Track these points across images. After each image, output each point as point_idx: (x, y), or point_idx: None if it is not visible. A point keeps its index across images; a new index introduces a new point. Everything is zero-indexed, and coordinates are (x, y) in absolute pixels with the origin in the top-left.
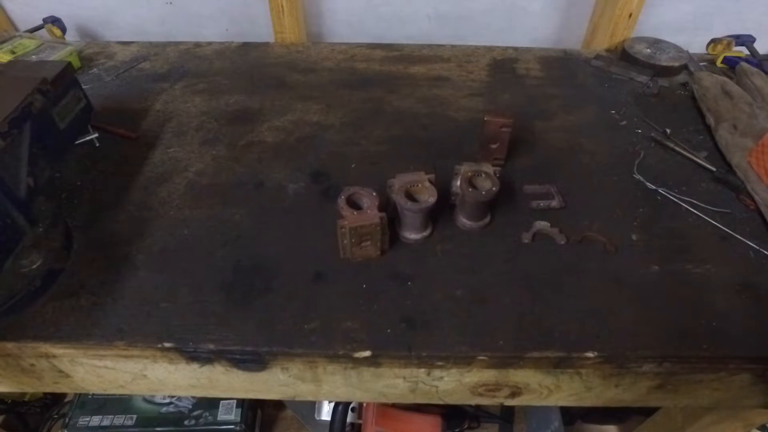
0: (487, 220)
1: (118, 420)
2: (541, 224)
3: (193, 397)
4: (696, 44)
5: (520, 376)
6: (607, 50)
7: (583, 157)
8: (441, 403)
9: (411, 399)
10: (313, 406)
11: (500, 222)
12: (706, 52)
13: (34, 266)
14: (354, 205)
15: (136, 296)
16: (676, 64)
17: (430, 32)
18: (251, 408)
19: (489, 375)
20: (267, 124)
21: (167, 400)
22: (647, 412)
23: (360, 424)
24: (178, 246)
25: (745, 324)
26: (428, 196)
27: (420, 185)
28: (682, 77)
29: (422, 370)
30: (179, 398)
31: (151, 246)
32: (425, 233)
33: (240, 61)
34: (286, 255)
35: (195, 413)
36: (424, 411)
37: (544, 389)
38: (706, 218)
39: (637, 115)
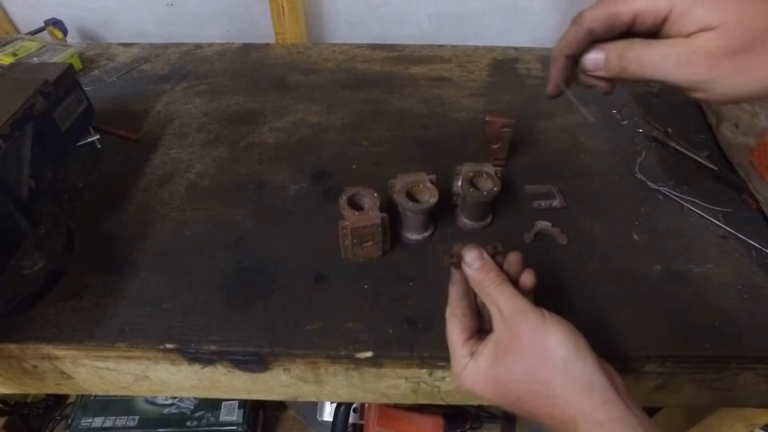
0: (488, 220)
1: (121, 421)
2: (543, 224)
3: (195, 398)
4: None
5: None
6: None
7: (585, 157)
8: (443, 403)
9: (413, 399)
10: (315, 407)
11: (501, 222)
12: None
13: (36, 268)
14: (355, 205)
15: (137, 297)
16: None
17: (430, 32)
18: (253, 409)
19: None
20: (268, 125)
21: (169, 401)
22: (649, 412)
23: (362, 425)
24: (180, 247)
25: (747, 323)
26: (429, 197)
27: (421, 185)
28: None
29: (424, 370)
30: (181, 399)
31: (152, 247)
32: (426, 233)
33: (241, 62)
34: (287, 256)
35: (197, 414)
36: (426, 411)
37: None
38: (708, 218)
39: (638, 114)
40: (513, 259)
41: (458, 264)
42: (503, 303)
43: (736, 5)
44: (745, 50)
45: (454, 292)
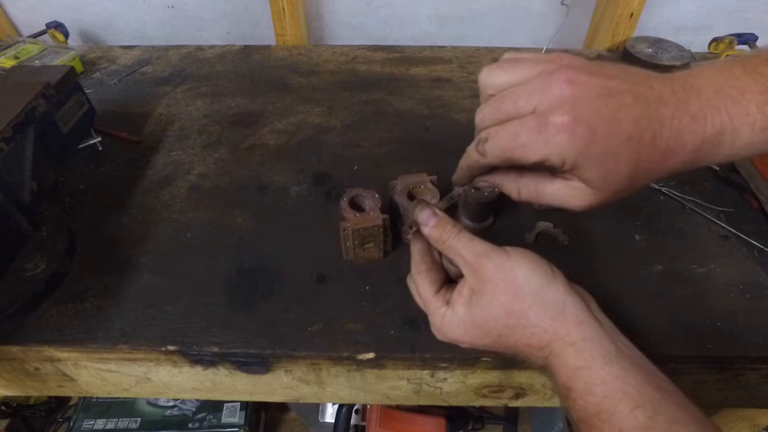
0: (489, 221)
1: (123, 423)
2: (544, 225)
3: (197, 400)
4: (698, 43)
5: (524, 377)
6: (609, 50)
7: None
8: (445, 404)
9: (415, 401)
10: (316, 408)
11: (503, 223)
12: (708, 51)
13: (38, 270)
14: (356, 206)
15: (139, 299)
16: (678, 63)
17: (431, 33)
18: (255, 410)
19: (493, 376)
20: (269, 127)
21: (171, 403)
22: None
23: (364, 426)
24: (181, 249)
25: (749, 323)
26: (430, 198)
27: (422, 186)
28: None
29: (426, 371)
30: (183, 401)
31: (154, 249)
32: None
33: (241, 64)
34: (288, 257)
35: (199, 416)
36: (428, 413)
37: (548, 390)
38: (710, 217)
39: None
40: None
41: (419, 231)
42: (464, 249)
43: (611, 165)
44: (613, 197)
45: (416, 251)
